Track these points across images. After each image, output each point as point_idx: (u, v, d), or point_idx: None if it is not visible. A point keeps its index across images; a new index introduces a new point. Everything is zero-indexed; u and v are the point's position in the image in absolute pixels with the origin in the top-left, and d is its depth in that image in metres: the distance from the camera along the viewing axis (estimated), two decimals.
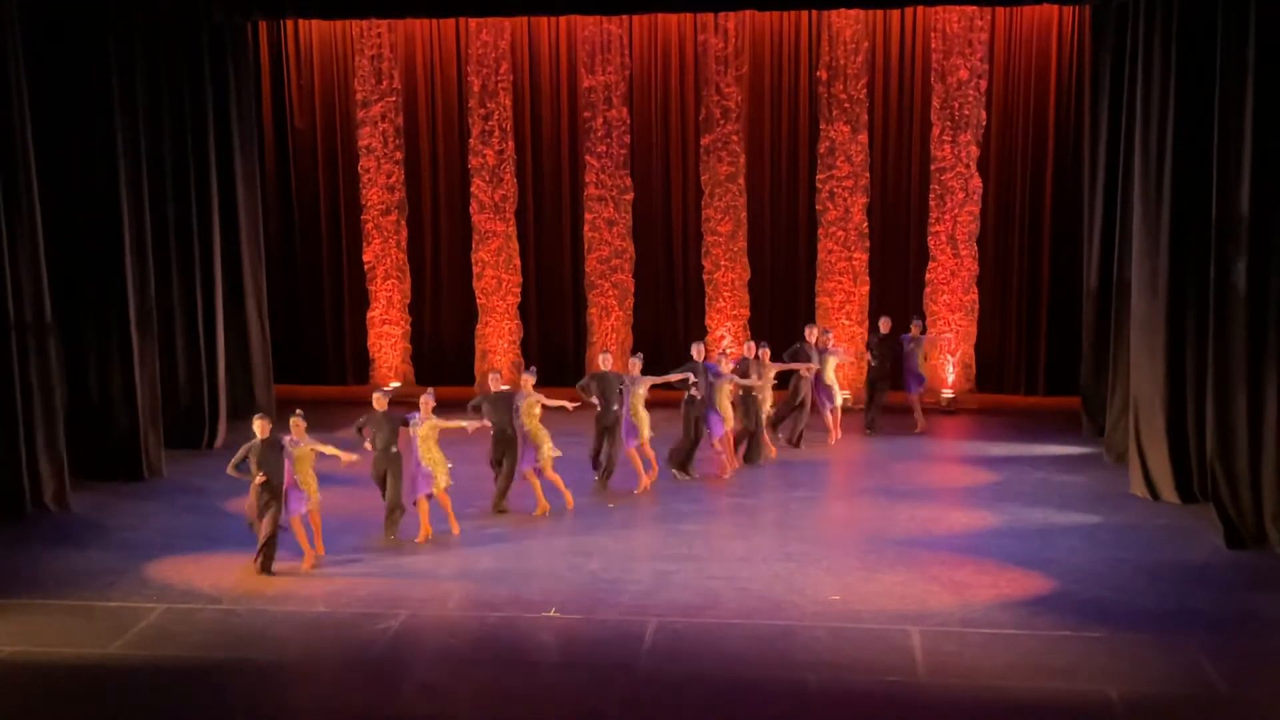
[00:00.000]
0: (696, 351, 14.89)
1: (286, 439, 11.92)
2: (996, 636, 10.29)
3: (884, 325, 17.19)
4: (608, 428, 14.31)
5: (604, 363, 14.81)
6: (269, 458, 11.71)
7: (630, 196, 19.33)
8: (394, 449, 12.74)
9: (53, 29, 14.46)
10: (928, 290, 18.92)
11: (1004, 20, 18.39)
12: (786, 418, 16.53)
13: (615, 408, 14.21)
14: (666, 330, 19.51)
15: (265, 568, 11.81)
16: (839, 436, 16.70)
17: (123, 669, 9.89)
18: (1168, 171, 13.64)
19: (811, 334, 16.51)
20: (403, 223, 19.72)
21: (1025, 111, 18.52)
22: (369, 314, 19.89)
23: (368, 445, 12.82)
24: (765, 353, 15.64)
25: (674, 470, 14.91)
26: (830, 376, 16.60)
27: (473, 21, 18.97)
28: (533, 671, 9.85)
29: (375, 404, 12.85)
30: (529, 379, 13.78)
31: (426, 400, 12.87)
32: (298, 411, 12.20)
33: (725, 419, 14.82)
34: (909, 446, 16.55)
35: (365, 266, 19.79)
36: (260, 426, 11.78)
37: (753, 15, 18.61)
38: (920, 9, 18.21)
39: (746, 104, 18.95)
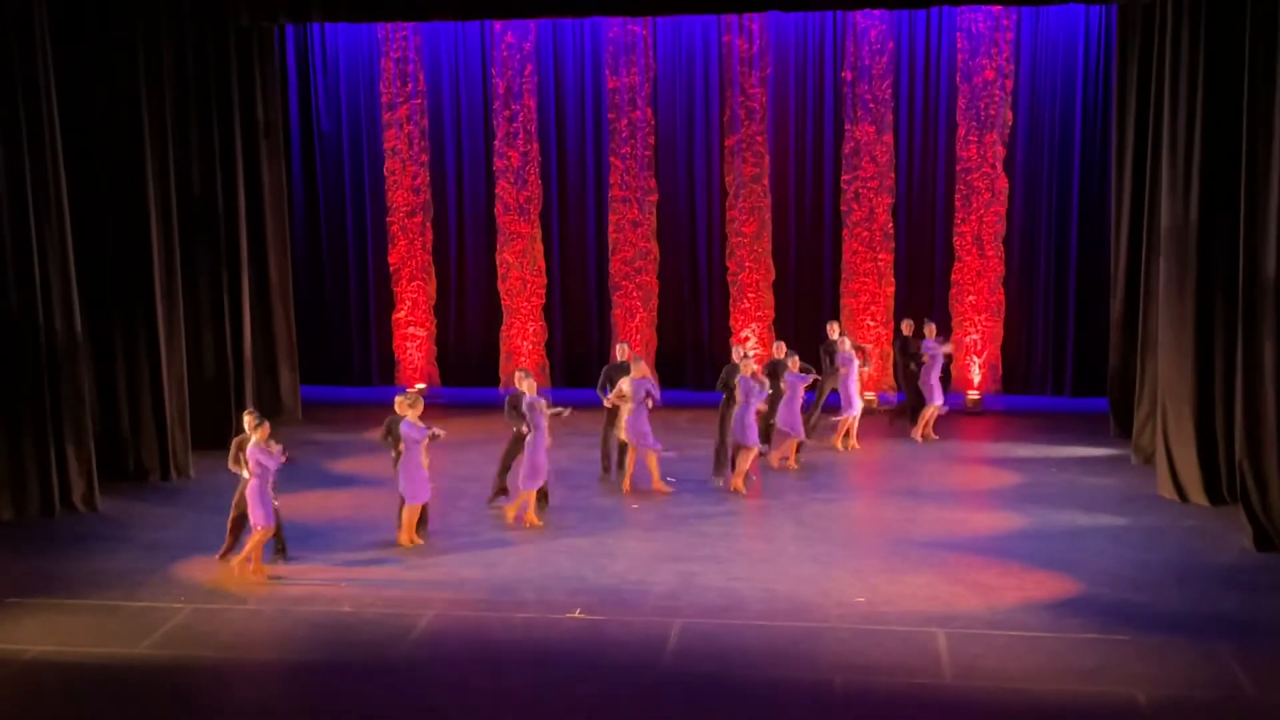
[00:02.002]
0: (737, 355, 14.77)
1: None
2: (1023, 639, 10.23)
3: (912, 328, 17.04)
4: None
5: (620, 353, 14.75)
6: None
7: (655, 198, 19.33)
8: None
9: (80, 34, 14.56)
10: (953, 291, 18.86)
11: (1030, 20, 18.32)
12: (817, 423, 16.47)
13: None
14: (691, 331, 19.51)
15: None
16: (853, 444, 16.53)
17: (150, 668, 9.94)
18: (1195, 171, 13.54)
19: (833, 330, 16.53)
20: (428, 225, 19.76)
21: (1052, 111, 18.44)
22: (394, 316, 19.95)
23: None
24: (795, 361, 15.23)
25: (716, 477, 14.72)
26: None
27: (497, 24, 19.01)
28: (557, 673, 9.85)
29: (398, 407, 12.76)
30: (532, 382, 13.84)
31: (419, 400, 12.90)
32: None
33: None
34: (934, 448, 16.48)
35: (390, 268, 19.86)
36: (250, 424, 11.82)
37: (777, 16, 18.60)
38: (945, 9, 18.16)
39: (771, 105, 18.92)
